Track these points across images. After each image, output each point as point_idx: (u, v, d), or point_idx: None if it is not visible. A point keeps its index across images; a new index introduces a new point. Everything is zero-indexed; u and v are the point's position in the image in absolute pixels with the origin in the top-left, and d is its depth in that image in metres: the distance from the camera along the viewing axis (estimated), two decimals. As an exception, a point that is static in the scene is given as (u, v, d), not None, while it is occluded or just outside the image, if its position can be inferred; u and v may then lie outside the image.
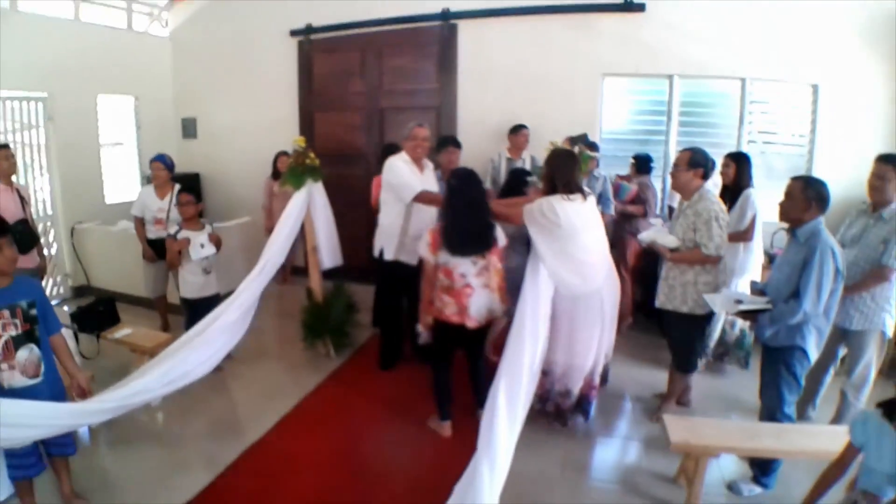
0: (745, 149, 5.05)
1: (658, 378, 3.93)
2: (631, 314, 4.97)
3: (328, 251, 4.27)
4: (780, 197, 2.72)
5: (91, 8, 6.28)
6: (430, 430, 3.30)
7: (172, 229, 3.94)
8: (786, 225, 2.75)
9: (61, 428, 2.34)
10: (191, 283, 3.97)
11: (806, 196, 2.59)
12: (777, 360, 2.71)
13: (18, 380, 2.26)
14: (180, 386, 2.71)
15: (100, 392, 2.52)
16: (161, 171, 4.52)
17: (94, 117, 6.17)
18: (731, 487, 2.79)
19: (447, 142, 4.25)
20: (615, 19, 5.16)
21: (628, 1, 5.06)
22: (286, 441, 3.22)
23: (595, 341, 3.09)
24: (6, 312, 2.23)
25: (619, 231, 4.81)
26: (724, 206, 3.21)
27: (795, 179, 2.70)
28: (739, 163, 3.87)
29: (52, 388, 2.39)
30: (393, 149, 5.00)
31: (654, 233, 3.47)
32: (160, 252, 4.34)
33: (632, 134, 5.48)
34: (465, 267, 2.98)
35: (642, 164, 4.87)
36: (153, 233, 4.50)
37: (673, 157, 5.23)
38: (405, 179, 3.69)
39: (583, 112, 5.32)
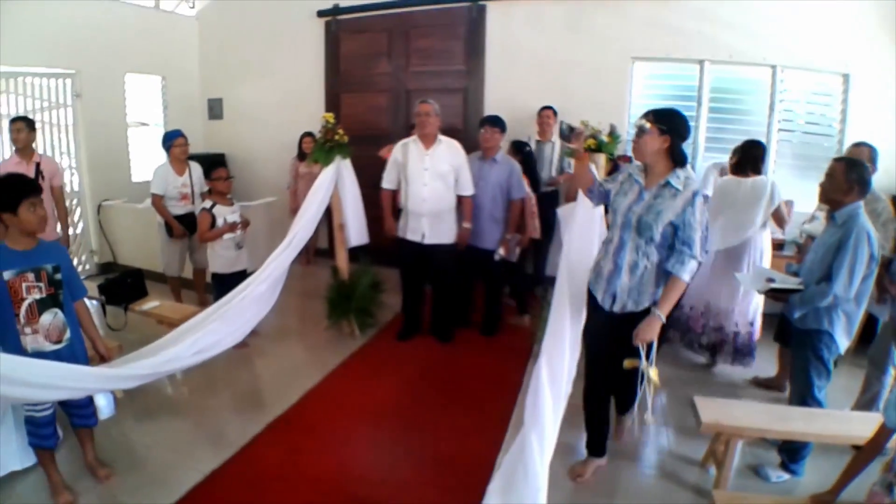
0: (774, 137, 4.96)
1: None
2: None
3: (355, 229, 4.27)
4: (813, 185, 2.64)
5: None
6: (453, 410, 3.31)
7: (206, 204, 3.96)
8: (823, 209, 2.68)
9: (87, 391, 2.35)
10: (223, 258, 4.00)
11: (848, 178, 2.52)
12: (805, 344, 2.66)
13: (42, 343, 2.24)
14: (210, 356, 2.71)
15: (127, 358, 2.54)
16: (184, 146, 4.51)
17: (121, 96, 6.22)
18: (759, 473, 2.75)
19: (483, 122, 4.21)
20: (645, 3, 5.05)
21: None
22: (309, 416, 3.24)
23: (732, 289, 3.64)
24: (31, 275, 2.19)
25: None
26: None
27: (838, 161, 2.63)
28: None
29: (76, 355, 2.38)
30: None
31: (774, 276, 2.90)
32: (188, 227, 4.38)
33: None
34: None
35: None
36: (180, 208, 4.48)
37: (702, 144, 5.19)
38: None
39: (612, 96, 5.24)
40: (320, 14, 6.34)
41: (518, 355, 4.01)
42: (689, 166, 2.36)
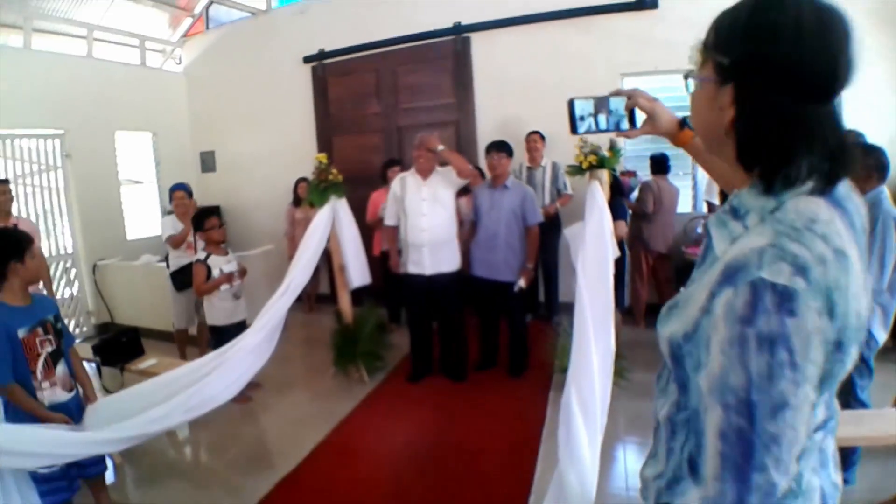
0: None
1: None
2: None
3: (356, 269, 4.12)
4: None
5: (104, 46, 6.37)
6: (473, 454, 3.10)
7: (200, 255, 3.84)
8: None
9: (68, 457, 2.23)
10: (220, 309, 3.84)
11: (866, 165, 2.40)
12: None
13: (59, 395, 2.26)
14: (203, 412, 2.54)
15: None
16: (185, 199, 4.46)
17: (112, 154, 6.21)
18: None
19: (489, 148, 4.10)
20: (629, 19, 5.05)
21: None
22: (321, 471, 3.03)
23: None
24: (40, 329, 2.22)
25: (633, 233, 4.72)
26: None
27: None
28: None
29: (80, 402, 2.39)
30: (391, 163, 5.05)
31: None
32: (189, 278, 4.25)
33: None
34: None
35: (658, 164, 4.74)
36: (185, 258, 4.37)
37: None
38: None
39: (604, 114, 5.18)
40: (306, 60, 6.37)
41: (536, 388, 3.82)
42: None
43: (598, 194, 2.81)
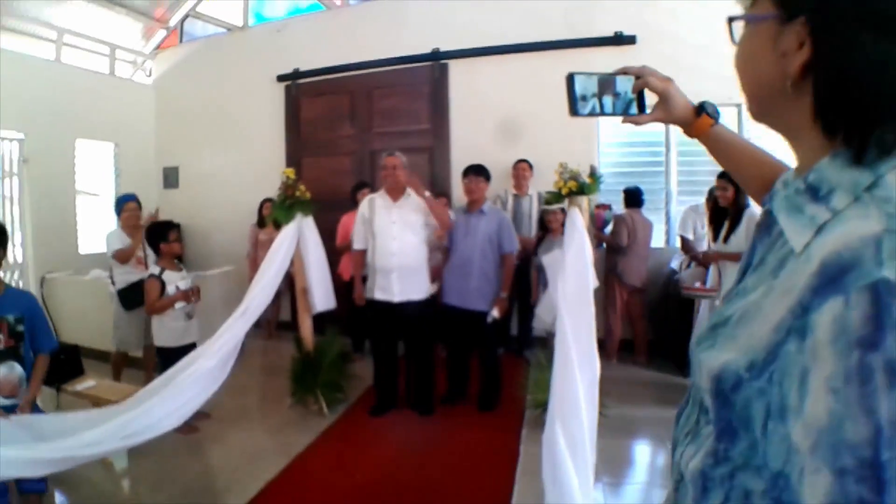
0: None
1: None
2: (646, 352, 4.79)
3: (321, 293, 3.90)
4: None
5: (73, 52, 6.15)
6: (441, 496, 2.87)
7: (153, 270, 3.58)
8: None
9: None
10: (171, 330, 3.57)
11: None
12: None
13: None
14: (140, 441, 2.31)
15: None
16: (137, 211, 4.19)
17: (71, 162, 5.96)
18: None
19: (466, 171, 3.97)
20: (607, 53, 5.09)
21: (618, 34, 5.02)
22: (272, 510, 2.76)
23: None
24: None
25: (607, 267, 4.69)
26: None
27: None
28: (737, 184, 3.68)
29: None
30: (361, 186, 4.93)
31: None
32: (140, 296, 3.96)
33: (632, 166, 5.33)
34: None
35: (632, 198, 4.73)
36: (135, 275, 4.08)
37: (675, 188, 5.12)
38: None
39: (580, 147, 5.15)
40: (280, 79, 6.26)
41: (508, 424, 3.63)
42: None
43: (577, 220, 2.70)
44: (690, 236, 4.39)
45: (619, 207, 4.96)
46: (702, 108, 1.00)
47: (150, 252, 4.14)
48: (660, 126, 5.05)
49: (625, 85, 0.98)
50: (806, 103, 0.57)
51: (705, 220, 4.45)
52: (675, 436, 0.72)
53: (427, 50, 5.59)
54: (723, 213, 3.81)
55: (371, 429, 3.71)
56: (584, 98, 0.97)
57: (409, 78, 5.73)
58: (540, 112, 5.30)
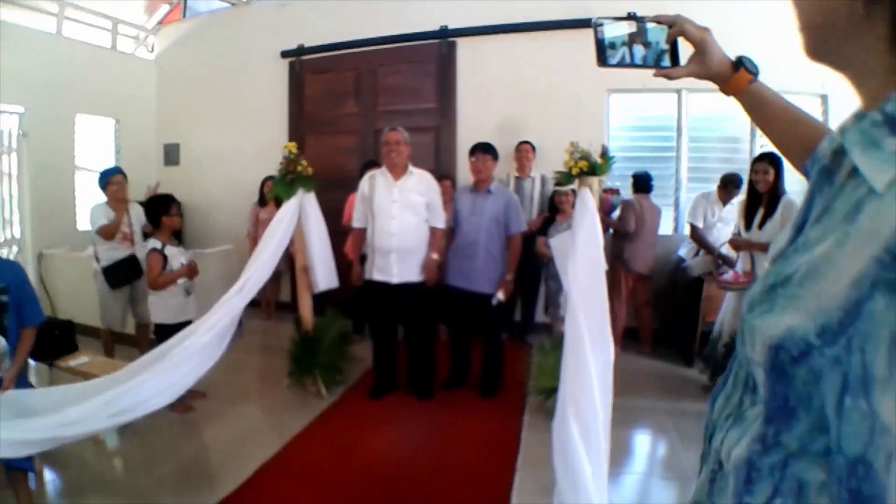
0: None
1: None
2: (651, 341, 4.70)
3: (323, 271, 3.79)
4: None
5: (74, 26, 6.03)
6: (439, 482, 2.80)
7: (155, 244, 3.48)
8: None
9: None
10: (171, 306, 3.49)
11: None
12: None
13: None
14: (130, 419, 2.22)
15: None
16: (124, 183, 4.03)
17: (70, 137, 5.85)
18: None
19: (473, 149, 3.82)
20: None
21: (630, 14, 4.86)
22: (266, 493, 2.70)
23: None
24: None
25: (613, 253, 4.59)
26: None
27: None
28: (778, 167, 3.51)
29: (19, 386, 2.15)
30: (371, 164, 4.77)
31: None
32: (127, 274, 3.88)
33: (641, 151, 5.19)
34: None
35: (640, 183, 4.61)
36: (120, 251, 3.97)
37: (685, 175, 4.99)
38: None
39: (589, 129, 5.00)
40: (284, 55, 6.11)
41: (509, 411, 3.55)
42: None
43: (588, 201, 2.59)
44: (700, 224, 4.26)
45: (627, 192, 4.84)
46: (739, 63, 0.90)
47: (136, 228, 4.04)
48: (671, 110, 4.99)
49: (656, 34, 0.88)
50: (879, 28, 0.49)
51: (716, 208, 4.32)
52: (710, 420, 0.64)
53: (435, 27, 5.44)
54: (757, 199, 3.61)
55: (369, 412, 3.63)
56: (612, 46, 0.87)
57: (416, 55, 5.59)
58: (549, 92, 5.17)
